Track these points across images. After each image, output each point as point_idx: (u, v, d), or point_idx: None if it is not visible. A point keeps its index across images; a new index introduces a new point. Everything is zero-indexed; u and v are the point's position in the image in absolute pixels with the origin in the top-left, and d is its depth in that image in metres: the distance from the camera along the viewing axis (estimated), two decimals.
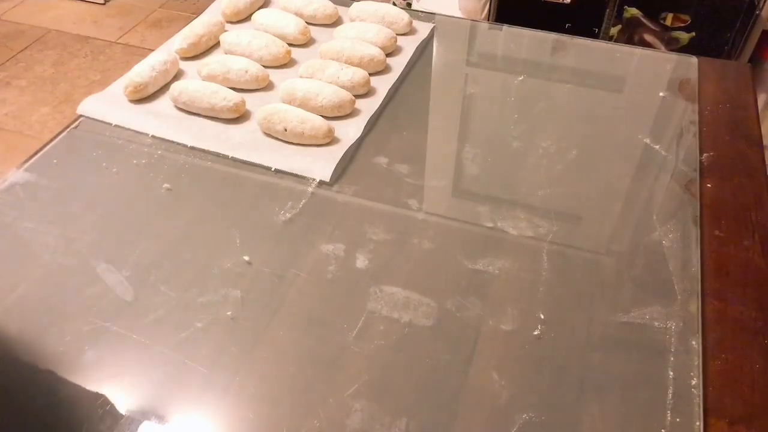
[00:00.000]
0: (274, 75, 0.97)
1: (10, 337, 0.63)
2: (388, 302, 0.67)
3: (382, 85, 0.97)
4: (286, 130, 0.85)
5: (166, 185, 0.80)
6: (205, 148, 0.85)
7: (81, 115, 0.91)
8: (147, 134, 0.87)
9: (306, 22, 1.07)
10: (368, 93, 0.95)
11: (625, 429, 0.57)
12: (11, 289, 0.68)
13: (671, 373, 0.61)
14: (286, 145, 0.86)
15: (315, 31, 1.08)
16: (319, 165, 0.83)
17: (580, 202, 0.81)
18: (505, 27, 1.13)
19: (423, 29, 1.10)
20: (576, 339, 0.64)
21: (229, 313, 0.66)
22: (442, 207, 0.80)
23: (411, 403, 0.59)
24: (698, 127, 0.91)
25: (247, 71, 0.94)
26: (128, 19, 2.77)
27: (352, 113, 0.91)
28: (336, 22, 1.11)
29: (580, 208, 0.81)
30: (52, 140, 0.87)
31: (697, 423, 0.58)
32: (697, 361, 0.62)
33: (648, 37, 1.82)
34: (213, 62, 0.96)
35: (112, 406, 0.58)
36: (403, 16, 1.09)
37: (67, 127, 0.89)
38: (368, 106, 0.93)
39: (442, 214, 0.79)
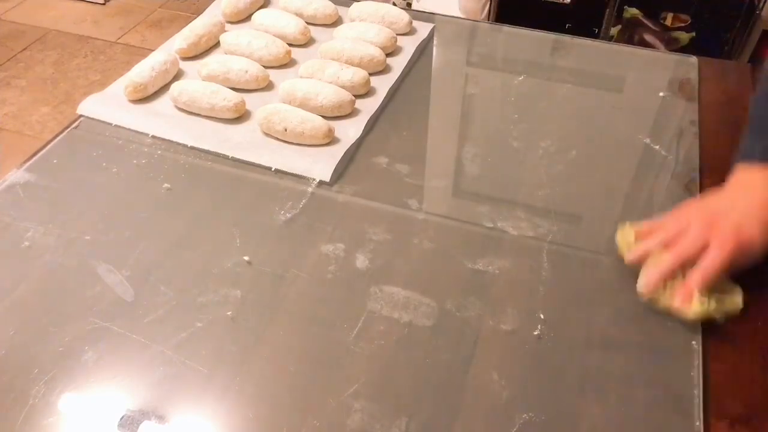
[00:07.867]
0: (274, 75, 0.97)
1: (10, 337, 0.63)
2: (388, 302, 0.67)
3: (382, 85, 0.97)
4: (286, 130, 0.85)
5: (166, 185, 0.80)
6: (205, 148, 0.86)
7: (81, 115, 0.91)
8: (147, 134, 0.87)
9: (306, 22, 1.07)
10: (368, 93, 0.95)
11: (625, 429, 0.57)
12: (11, 289, 0.68)
13: (671, 373, 0.61)
14: (286, 145, 0.86)
15: (315, 31, 1.08)
16: (319, 165, 0.83)
17: (580, 202, 0.81)
18: (505, 27, 1.13)
19: (423, 29, 1.10)
20: (576, 339, 0.64)
21: (229, 313, 0.66)
22: (442, 207, 0.80)
23: (411, 403, 0.59)
24: (698, 127, 0.91)
25: (247, 71, 0.94)
26: (128, 19, 2.78)
27: (352, 113, 0.91)
28: (336, 22, 1.11)
29: (580, 208, 0.81)
30: (52, 140, 0.87)
31: (697, 423, 0.58)
32: (697, 361, 0.62)
33: (648, 37, 1.82)
34: (213, 62, 0.96)
35: (113, 406, 0.58)
36: (403, 16, 1.08)
37: (67, 127, 0.89)
38: (368, 106, 0.93)
39: (442, 214, 0.79)
